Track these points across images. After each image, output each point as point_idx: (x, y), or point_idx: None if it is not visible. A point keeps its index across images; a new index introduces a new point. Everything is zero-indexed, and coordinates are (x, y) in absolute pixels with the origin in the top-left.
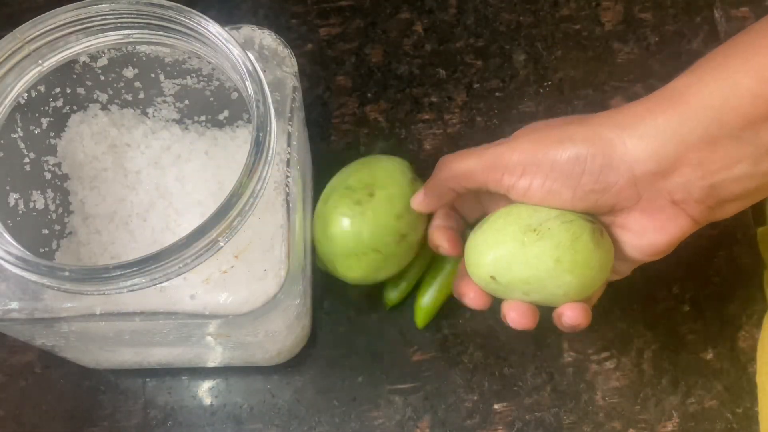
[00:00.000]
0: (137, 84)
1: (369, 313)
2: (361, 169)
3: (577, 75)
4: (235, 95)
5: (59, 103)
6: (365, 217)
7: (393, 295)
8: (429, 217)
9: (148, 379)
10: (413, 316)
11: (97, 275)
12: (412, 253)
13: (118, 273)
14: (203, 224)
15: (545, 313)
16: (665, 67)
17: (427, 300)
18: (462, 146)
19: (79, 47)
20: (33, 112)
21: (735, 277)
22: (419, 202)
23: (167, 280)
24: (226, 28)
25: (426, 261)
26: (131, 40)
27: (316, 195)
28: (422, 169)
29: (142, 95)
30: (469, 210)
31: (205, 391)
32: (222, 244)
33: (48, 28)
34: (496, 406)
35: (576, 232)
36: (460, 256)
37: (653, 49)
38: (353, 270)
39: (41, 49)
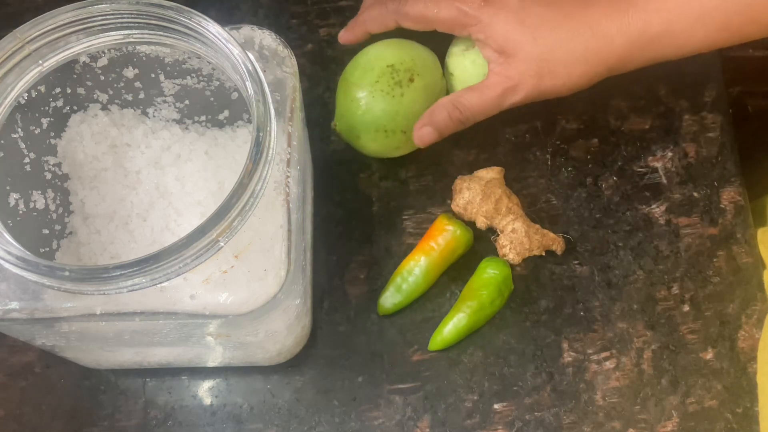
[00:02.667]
0: (137, 84)
1: (369, 313)
2: (401, 50)
3: None
4: (235, 95)
5: (59, 103)
6: (403, 100)
7: (387, 306)
8: None
9: (148, 379)
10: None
11: (97, 275)
12: None
13: (118, 273)
14: (203, 224)
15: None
16: (665, 66)
17: (450, 328)
18: (462, 146)
19: (79, 47)
20: (33, 112)
21: (735, 277)
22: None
23: (167, 280)
24: (226, 28)
25: (427, 283)
26: (131, 40)
27: (317, 195)
28: (421, 168)
29: (142, 95)
30: None
31: (205, 391)
32: (222, 244)
33: (48, 28)
34: (496, 406)
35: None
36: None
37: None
38: (376, 143)
39: (41, 49)
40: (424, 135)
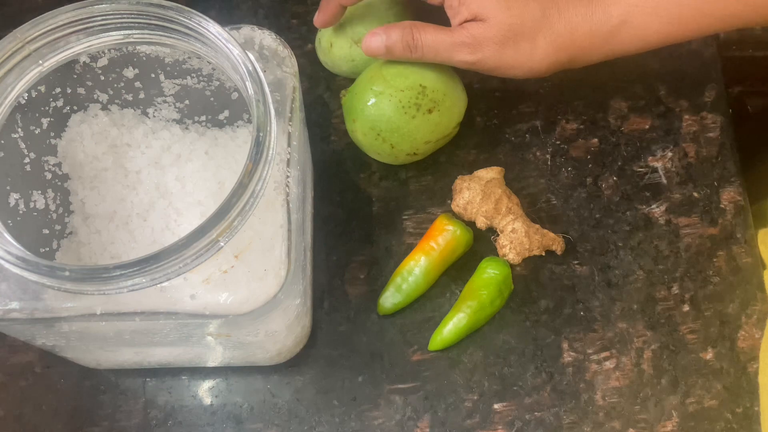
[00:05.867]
0: (137, 84)
1: (369, 313)
2: (440, 76)
3: (577, 75)
4: (235, 95)
5: (59, 103)
6: (411, 121)
7: (387, 306)
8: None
9: (148, 379)
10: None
11: (97, 275)
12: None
13: (118, 273)
14: (203, 224)
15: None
16: (665, 66)
17: (450, 328)
18: (462, 146)
19: (79, 47)
20: (33, 112)
21: (735, 277)
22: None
23: (167, 280)
24: (226, 28)
25: (427, 283)
26: (131, 40)
27: (317, 195)
28: (421, 168)
29: (142, 95)
30: None
31: (205, 390)
32: (222, 244)
33: (48, 28)
34: (496, 406)
35: None
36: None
37: (653, 49)
38: (366, 138)
39: (41, 49)
40: (371, 43)
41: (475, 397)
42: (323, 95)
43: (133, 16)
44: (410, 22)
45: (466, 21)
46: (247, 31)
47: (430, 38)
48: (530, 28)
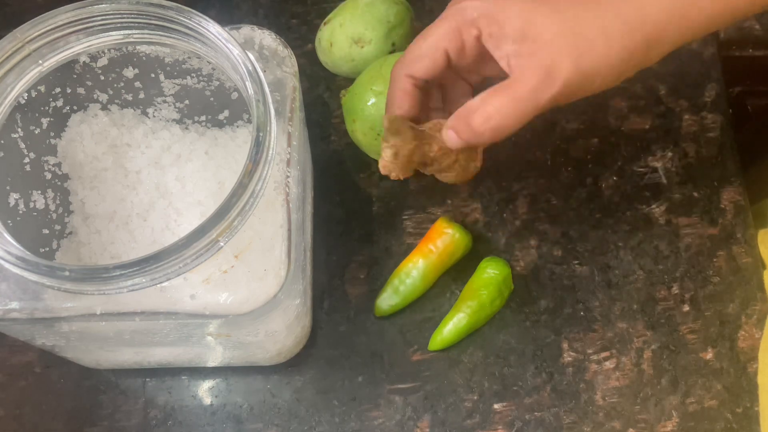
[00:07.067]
0: (137, 84)
1: (369, 313)
2: None
3: None
4: (235, 95)
5: (59, 103)
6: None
7: (384, 307)
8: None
9: (148, 379)
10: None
11: (97, 275)
12: None
13: (118, 273)
14: (203, 224)
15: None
16: (665, 67)
17: (450, 328)
18: None
19: (79, 47)
20: (33, 112)
21: (735, 277)
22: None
23: (167, 280)
24: (226, 28)
25: (425, 285)
26: (131, 40)
27: (317, 195)
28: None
29: (142, 95)
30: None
31: (205, 390)
32: (222, 244)
33: (48, 28)
34: (496, 406)
35: None
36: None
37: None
38: (365, 137)
39: (41, 49)
40: (451, 139)
41: (475, 397)
42: (323, 95)
43: (133, 16)
44: (454, 114)
45: (513, 43)
46: (247, 31)
47: (501, 106)
48: (596, 25)
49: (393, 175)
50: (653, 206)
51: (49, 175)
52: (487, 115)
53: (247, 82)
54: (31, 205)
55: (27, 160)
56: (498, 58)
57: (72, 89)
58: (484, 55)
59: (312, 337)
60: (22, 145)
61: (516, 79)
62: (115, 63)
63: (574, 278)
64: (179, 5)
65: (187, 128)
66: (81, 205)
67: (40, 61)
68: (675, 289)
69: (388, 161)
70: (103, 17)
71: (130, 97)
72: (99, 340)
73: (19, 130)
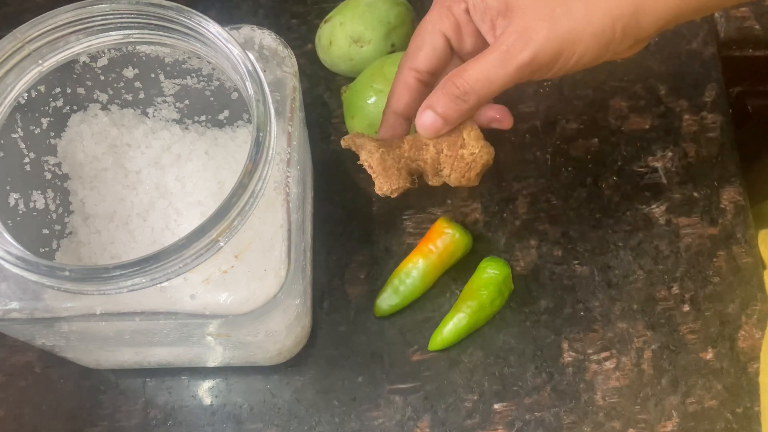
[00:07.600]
0: (137, 84)
1: (369, 313)
2: None
3: (577, 75)
4: (235, 95)
5: (59, 103)
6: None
7: (384, 308)
8: None
9: (148, 379)
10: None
11: (97, 275)
12: None
13: (118, 273)
14: (203, 224)
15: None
16: (665, 67)
17: (450, 328)
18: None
19: (79, 47)
20: (33, 112)
21: (735, 277)
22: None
23: (167, 280)
24: (226, 28)
25: (425, 286)
26: (131, 40)
27: (317, 195)
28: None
29: (142, 95)
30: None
31: (205, 390)
32: (222, 244)
33: (48, 28)
34: (496, 406)
35: None
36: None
37: (653, 49)
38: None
39: (41, 49)
40: (425, 122)
41: (475, 397)
42: (323, 95)
43: (133, 16)
44: (445, 77)
45: (497, 15)
46: (247, 31)
47: (473, 72)
48: None
49: (393, 195)
50: (653, 206)
51: (49, 175)
52: (461, 79)
53: (247, 82)
54: (31, 205)
55: (27, 160)
56: (484, 32)
57: (72, 89)
58: (485, 42)
59: (312, 337)
60: (22, 145)
61: (490, 49)
62: (115, 63)
63: (574, 278)
64: (179, 5)
65: (187, 128)
66: (81, 205)
67: (40, 61)
68: (675, 289)
69: (375, 179)
70: (103, 17)
71: (130, 97)
72: (99, 340)
73: (19, 130)
